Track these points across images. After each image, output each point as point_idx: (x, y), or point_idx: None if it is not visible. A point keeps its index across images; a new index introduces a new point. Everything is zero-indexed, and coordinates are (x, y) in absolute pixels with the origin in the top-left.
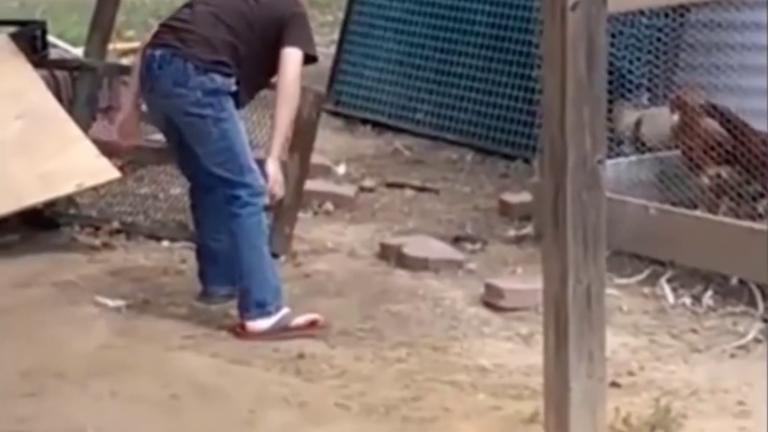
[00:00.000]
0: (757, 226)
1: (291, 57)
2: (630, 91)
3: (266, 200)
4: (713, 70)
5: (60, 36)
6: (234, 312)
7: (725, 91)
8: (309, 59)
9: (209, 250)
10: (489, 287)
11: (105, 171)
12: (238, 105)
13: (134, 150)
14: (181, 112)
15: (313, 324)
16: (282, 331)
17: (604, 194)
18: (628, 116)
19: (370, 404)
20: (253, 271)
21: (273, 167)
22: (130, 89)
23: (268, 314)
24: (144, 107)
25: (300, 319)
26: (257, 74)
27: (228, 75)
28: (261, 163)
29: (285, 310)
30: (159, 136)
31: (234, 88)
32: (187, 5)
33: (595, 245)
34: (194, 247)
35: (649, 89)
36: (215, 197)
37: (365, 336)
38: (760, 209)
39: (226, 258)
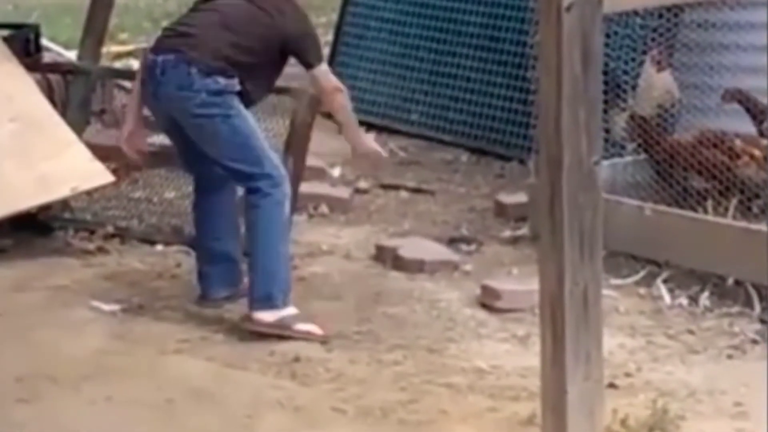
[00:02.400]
0: (754, 226)
1: (319, 77)
2: (625, 92)
3: (288, 189)
4: (707, 70)
5: (53, 39)
6: (228, 315)
7: (719, 92)
8: None
9: (210, 252)
10: (485, 288)
11: (99, 175)
12: (245, 107)
13: (143, 159)
14: (189, 115)
15: (313, 334)
16: (284, 329)
17: (600, 195)
18: (622, 117)
19: (366, 407)
20: (266, 263)
21: (367, 139)
22: (132, 99)
23: (276, 307)
24: (147, 113)
25: (303, 326)
26: (261, 80)
27: (231, 77)
28: None
29: (292, 309)
30: (153, 140)
31: (238, 87)
32: (193, 10)
33: (591, 246)
34: (191, 250)
35: None
36: (221, 198)
37: (361, 339)
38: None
39: (226, 260)
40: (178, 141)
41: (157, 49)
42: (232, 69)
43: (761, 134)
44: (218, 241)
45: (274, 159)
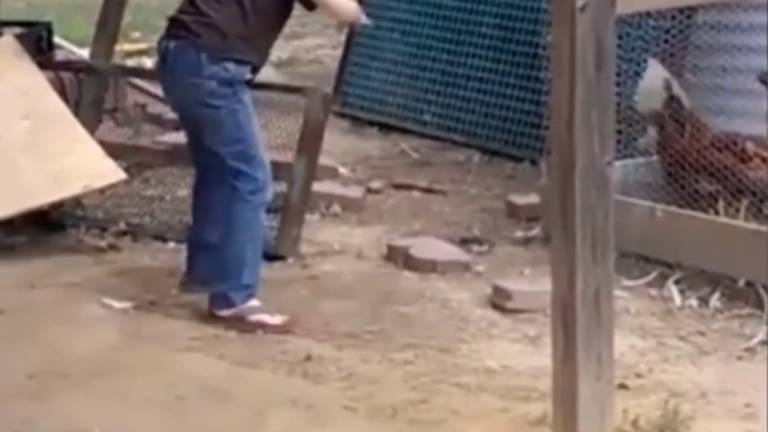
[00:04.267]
0: (765, 228)
1: None
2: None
3: (268, 197)
4: (720, 72)
5: (66, 37)
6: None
7: (732, 94)
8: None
9: (203, 243)
10: (496, 289)
11: (111, 173)
12: (255, 70)
13: None
14: (197, 103)
15: (280, 327)
16: (238, 320)
17: (612, 196)
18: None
19: (378, 406)
20: (230, 263)
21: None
22: None
23: (233, 306)
24: (160, 111)
25: (257, 317)
26: (270, 29)
27: (241, 62)
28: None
29: (253, 302)
30: (165, 138)
31: (248, 75)
32: None
33: (603, 247)
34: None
35: None
36: (222, 190)
37: (372, 338)
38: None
39: (217, 252)
40: (187, 126)
41: (167, 35)
42: (240, 46)
43: None
44: (210, 232)
45: (266, 162)
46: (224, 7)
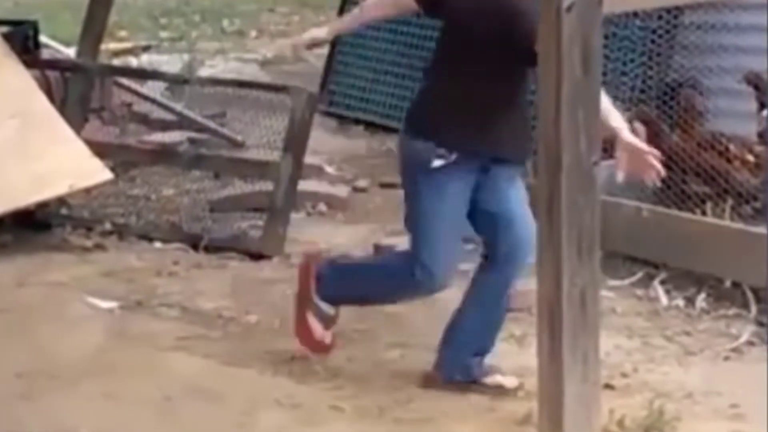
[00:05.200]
0: (751, 228)
1: None
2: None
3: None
4: (707, 72)
5: (52, 36)
6: (226, 313)
7: (719, 94)
8: None
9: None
10: None
11: (97, 172)
12: None
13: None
14: None
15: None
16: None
17: (598, 196)
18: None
19: (364, 406)
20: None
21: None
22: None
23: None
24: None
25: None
26: None
27: None
28: None
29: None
30: (152, 137)
31: None
32: None
33: (589, 247)
34: (188, 248)
35: (642, 90)
36: (485, 274)
37: (359, 337)
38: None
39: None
40: None
41: None
42: None
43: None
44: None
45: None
46: None
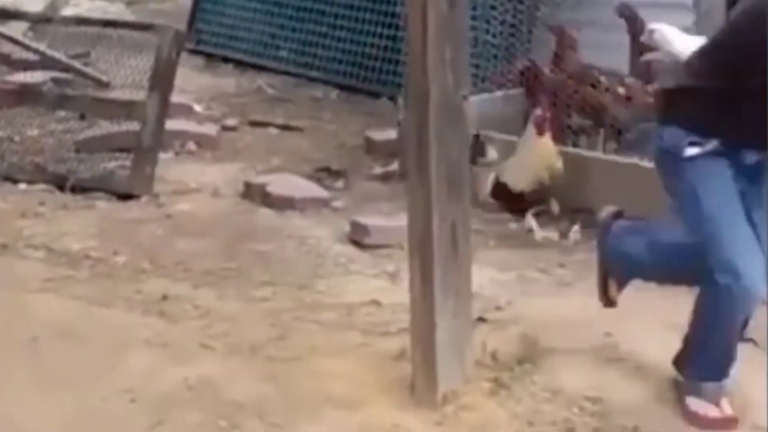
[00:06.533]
0: (623, 159)
1: None
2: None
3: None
4: (577, 5)
5: None
6: (93, 253)
7: (592, 26)
8: None
9: None
10: (354, 225)
11: None
12: None
13: None
14: None
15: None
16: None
17: (467, 130)
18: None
19: (235, 344)
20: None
21: None
22: None
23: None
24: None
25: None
26: None
27: None
28: None
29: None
30: (14, 78)
31: None
32: None
33: (458, 182)
34: (54, 189)
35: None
36: None
37: (229, 276)
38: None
39: None
40: None
41: None
42: None
43: (635, 55)
44: None
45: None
46: None
